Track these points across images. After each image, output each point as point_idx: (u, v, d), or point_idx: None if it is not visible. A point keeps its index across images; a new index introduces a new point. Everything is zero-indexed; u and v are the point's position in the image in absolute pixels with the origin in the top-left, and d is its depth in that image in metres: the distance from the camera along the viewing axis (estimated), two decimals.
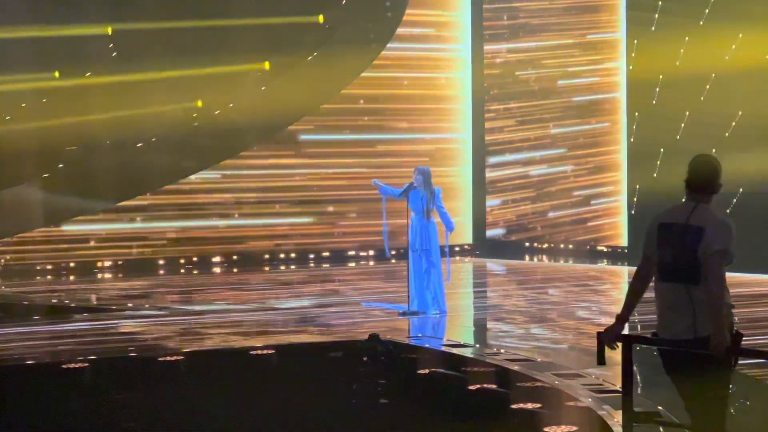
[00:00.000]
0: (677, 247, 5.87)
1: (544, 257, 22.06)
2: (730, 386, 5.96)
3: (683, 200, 6.06)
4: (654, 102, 19.97)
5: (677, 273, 5.85)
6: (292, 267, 20.91)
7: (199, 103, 20.74)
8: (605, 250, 21.51)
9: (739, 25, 18.57)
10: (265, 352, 11.53)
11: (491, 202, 23.02)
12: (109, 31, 20.15)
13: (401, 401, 9.29)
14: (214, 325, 13.50)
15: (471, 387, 9.78)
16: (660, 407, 8.14)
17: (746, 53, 18.48)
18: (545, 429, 8.13)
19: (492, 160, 23.00)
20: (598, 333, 6.11)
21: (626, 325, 6.17)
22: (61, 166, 19.88)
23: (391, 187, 14.38)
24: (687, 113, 19.27)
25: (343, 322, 13.70)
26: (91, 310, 15.19)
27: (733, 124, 18.63)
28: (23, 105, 19.71)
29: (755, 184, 18.08)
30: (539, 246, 22.47)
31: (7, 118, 19.70)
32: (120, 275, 19.64)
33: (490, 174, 23.01)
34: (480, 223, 23.08)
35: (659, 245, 5.94)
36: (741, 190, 18.22)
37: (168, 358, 11.23)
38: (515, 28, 22.76)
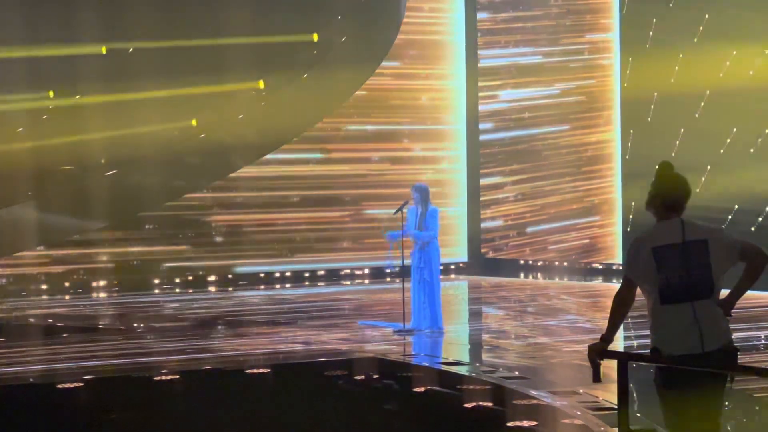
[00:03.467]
0: (681, 266, 5.80)
1: (538, 274, 22.04)
2: (725, 402, 5.93)
3: (660, 220, 5.96)
4: (649, 119, 19.99)
5: (685, 292, 5.79)
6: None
7: (194, 122, 20.74)
8: (600, 267, 21.49)
9: (733, 42, 18.61)
10: (261, 370, 11.50)
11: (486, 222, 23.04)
12: (104, 50, 20.17)
13: (397, 420, 9.26)
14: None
15: (467, 405, 9.75)
16: (656, 425, 8.10)
17: (740, 70, 18.52)
18: None
19: (486, 179, 23.01)
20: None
21: (619, 343, 6.14)
22: (55, 186, 19.85)
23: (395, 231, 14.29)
24: (682, 130, 19.29)
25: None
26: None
27: (728, 140, 18.65)
28: (17, 124, 19.71)
29: (750, 201, 18.10)
30: (533, 263, 22.46)
31: (19, 130, 19.69)
32: None
33: (484, 191, 23.01)
34: (475, 240, 23.08)
35: (659, 269, 5.84)
36: (736, 207, 18.24)
37: (163, 377, 11.20)
38: (508, 43, 22.81)
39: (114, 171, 20.17)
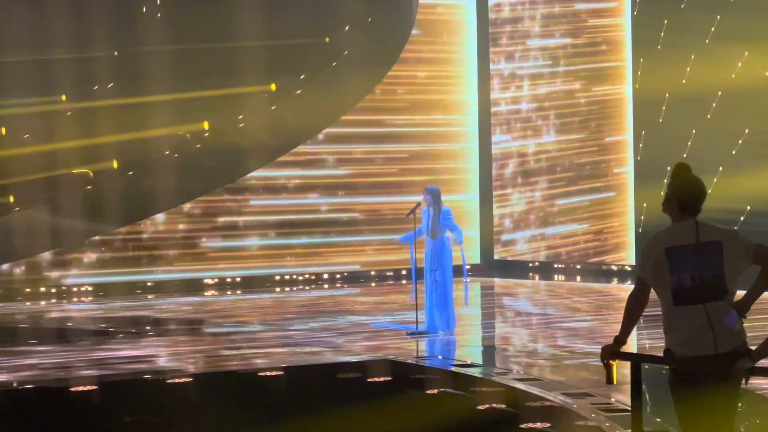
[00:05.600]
0: (694, 267, 5.79)
1: (551, 276, 22.02)
2: (739, 404, 5.93)
3: (675, 221, 5.95)
4: (660, 120, 19.97)
5: (698, 293, 5.78)
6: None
7: (206, 125, 20.78)
8: (613, 269, 21.48)
9: (744, 43, 18.59)
10: (273, 374, 11.52)
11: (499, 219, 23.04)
12: (116, 53, 20.23)
13: (410, 422, 9.27)
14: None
15: (480, 407, 9.75)
16: (670, 426, 8.10)
17: (752, 71, 18.49)
18: None
19: (498, 180, 23.00)
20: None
21: (631, 344, 6.13)
22: (67, 189, 19.89)
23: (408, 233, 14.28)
24: (694, 131, 19.27)
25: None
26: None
27: (740, 141, 18.62)
28: (30, 128, 19.78)
29: (763, 202, 18.07)
30: (545, 265, 22.45)
31: (26, 136, 19.73)
32: None
33: (496, 192, 23.01)
34: (487, 242, 23.07)
35: (672, 270, 5.83)
36: (748, 208, 18.21)
37: (176, 380, 11.22)
38: (519, 40, 22.81)
39: (128, 173, 20.23)
